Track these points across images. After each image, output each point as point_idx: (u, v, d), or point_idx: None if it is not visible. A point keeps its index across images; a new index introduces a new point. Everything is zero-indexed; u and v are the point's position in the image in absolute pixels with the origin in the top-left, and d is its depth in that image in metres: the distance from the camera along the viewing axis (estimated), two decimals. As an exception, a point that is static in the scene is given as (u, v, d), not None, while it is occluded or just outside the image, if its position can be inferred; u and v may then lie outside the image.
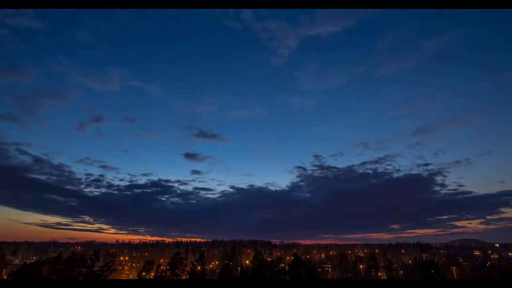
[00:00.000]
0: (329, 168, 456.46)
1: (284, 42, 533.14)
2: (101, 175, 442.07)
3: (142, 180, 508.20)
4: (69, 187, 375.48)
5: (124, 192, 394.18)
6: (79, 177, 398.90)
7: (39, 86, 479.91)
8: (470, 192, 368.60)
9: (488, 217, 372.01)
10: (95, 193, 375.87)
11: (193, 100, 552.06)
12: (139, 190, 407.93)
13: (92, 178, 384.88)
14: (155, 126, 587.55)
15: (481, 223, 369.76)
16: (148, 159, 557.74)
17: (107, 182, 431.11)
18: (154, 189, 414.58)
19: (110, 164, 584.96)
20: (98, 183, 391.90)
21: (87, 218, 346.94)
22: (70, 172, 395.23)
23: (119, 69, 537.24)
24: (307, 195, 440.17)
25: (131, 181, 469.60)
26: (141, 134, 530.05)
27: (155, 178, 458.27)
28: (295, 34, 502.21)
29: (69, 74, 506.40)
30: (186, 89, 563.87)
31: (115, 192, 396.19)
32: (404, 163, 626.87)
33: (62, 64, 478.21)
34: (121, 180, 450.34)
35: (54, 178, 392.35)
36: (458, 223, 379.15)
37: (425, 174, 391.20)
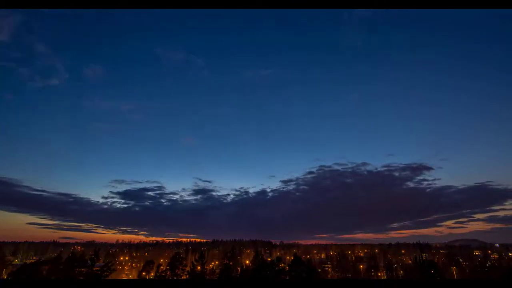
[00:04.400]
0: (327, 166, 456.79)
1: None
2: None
3: (135, 178, 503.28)
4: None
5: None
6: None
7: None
8: (469, 191, 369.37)
9: (488, 216, 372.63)
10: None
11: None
12: (130, 187, 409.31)
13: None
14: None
15: (481, 222, 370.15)
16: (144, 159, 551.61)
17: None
18: (147, 185, 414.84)
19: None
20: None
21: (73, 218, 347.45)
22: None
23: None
24: (307, 191, 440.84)
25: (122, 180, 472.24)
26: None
27: (150, 177, 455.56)
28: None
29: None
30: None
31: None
32: (403, 161, 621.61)
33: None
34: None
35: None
36: (457, 223, 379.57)
37: (424, 172, 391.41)
